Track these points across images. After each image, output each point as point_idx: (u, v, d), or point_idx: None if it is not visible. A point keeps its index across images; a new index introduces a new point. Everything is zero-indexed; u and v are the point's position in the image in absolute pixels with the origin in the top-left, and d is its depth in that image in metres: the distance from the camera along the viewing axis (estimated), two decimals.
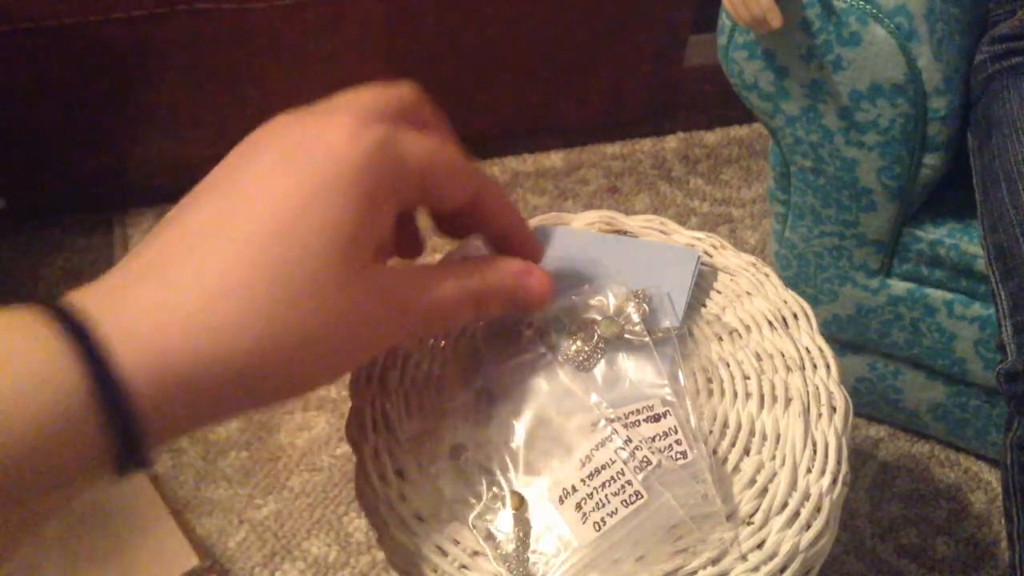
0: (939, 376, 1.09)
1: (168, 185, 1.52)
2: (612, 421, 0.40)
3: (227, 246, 0.29)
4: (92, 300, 0.28)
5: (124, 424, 0.27)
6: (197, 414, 0.29)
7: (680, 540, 0.38)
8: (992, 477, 1.18)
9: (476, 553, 0.38)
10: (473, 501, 0.40)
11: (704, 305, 0.49)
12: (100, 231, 1.51)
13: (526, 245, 0.40)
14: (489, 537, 0.38)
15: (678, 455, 0.39)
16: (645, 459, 0.39)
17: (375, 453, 0.42)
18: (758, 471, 0.41)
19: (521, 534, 0.38)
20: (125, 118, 1.44)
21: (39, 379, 0.25)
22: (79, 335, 0.26)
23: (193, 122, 1.47)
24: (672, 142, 1.71)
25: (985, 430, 1.11)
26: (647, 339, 0.43)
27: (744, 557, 0.38)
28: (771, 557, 0.38)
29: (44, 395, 0.25)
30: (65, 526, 1.08)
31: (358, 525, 1.12)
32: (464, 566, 0.38)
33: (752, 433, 0.42)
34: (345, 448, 1.21)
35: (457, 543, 0.39)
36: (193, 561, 1.06)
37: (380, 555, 1.08)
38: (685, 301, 0.46)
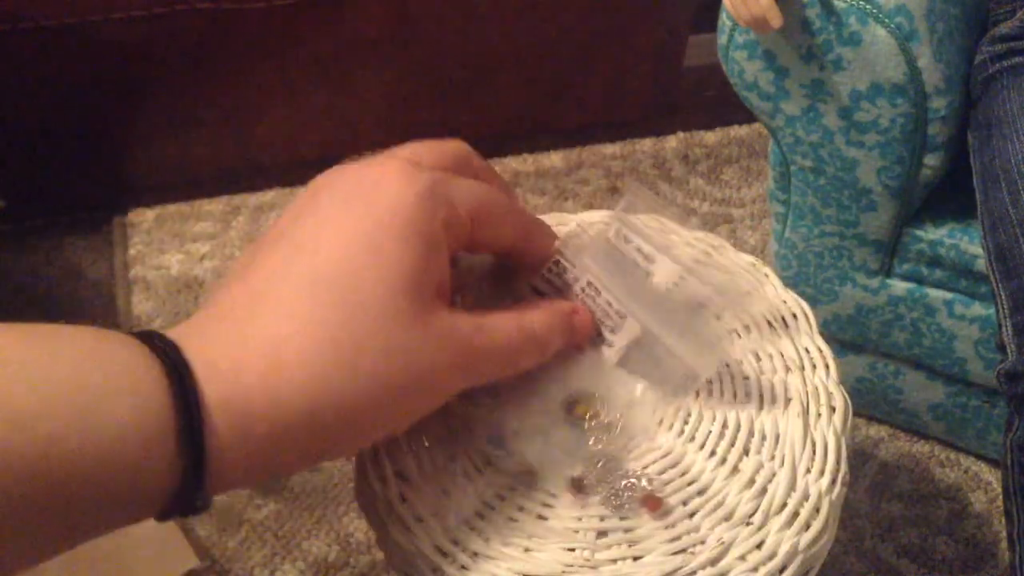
0: (939, 376, 1.09)
1: (168, 185, 1.53)
2: None
3: (292, 292, 0.30)
4: (180, 338, 0.28)
5: (195, 454, 0.27)
6: (259, 459, 0.29)
7: (678, 540, 0.38)
8: (992, 477, 1.18)
9: (476, 554, 0.38)
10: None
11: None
12: (100, 231, 1.51)
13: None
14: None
15: None
16: None
17: (375, 453, 0.42)
18: (757, 471, 0.41)
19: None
20: (125, 118, 1.44)
21: (131, 391, 0.26)
22: (176, 366, 0.27)
23: (193, 122, 1.47)
24: (672, 142, 1.71)
25: (985, 430, 1.11)
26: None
27: (743, 557, 0.38)
28: (770, 557, 0.38)
29: (133, 407, 0.26)
30: None
31: (358, 525, 1.12)
32: (464, 567, 0.38)
33: (751, 433, 0.42)
34: None
35: (457, 543, 0.39)
36: (193, 561, 1.06)
37: (380, 555, 1.08)
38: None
